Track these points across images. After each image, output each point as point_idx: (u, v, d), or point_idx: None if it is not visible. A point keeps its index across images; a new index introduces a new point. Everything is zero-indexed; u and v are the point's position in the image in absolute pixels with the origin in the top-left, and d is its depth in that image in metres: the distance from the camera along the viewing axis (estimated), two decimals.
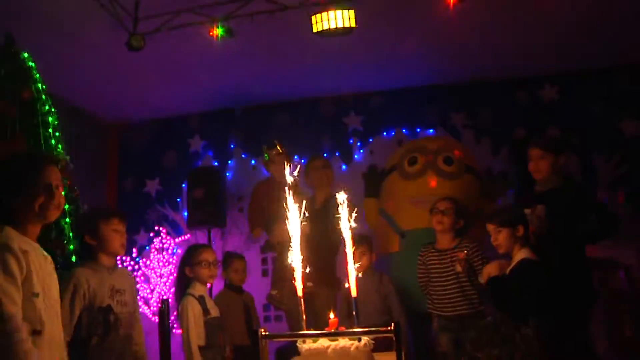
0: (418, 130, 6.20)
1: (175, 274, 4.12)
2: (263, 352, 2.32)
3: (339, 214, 2.51)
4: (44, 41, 4.47)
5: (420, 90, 6.16)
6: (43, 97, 4.05)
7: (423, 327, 4.48)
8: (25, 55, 4.06)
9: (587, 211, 3.83)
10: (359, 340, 2.31)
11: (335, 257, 4.81)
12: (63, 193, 2.42)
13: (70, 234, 3.69)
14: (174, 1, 4.31)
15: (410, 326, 4.59)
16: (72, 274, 3.15)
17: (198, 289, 3.87)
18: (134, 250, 6.28)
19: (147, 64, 5.13)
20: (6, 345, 2.06)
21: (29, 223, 2.30)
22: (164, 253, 6.20)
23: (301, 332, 2.41)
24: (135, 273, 6.06)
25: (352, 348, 2.29)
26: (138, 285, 5.99)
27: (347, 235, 2.50)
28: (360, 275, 2.52)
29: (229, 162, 6.54)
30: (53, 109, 4.04)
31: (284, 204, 2.48)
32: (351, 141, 6.32)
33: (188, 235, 6.27)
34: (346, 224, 2.50)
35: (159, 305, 4.25)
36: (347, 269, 2.48)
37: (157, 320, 4.08)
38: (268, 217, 5.01)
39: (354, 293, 2.48)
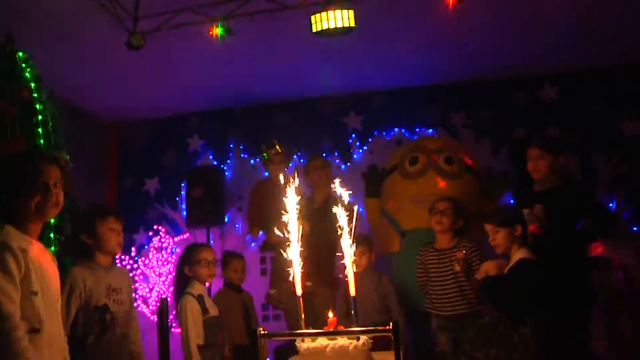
0: (417, 130, 6.20)
1: (174, 273, 4.12)
2: (262, 351, 2.33)
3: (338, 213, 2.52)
4: (44, 41, 4.48)
5: (420, 90, 6.16)
6: (42, 96, 4.06)
7: (422, 327, 4.49)
8: (21, 54, 4.06)
9: (586, 211, 3.83)
10: (358, 339, 2.31)
11: (334, 256, 4.80)
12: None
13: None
14: (174, 0, 4.31)
15: (410, 326, 4.59)
16: (68, 273, 3.15)
17: (197, 288, 3.87)
18: (133, 249, 6.29)
19: (147, 64, 5.13)
20: (4, 344, 2.06)
21: (29, 221, 2.31)
22: (163, 252, 6.20)
23: (300, 331, 2.41)
24: (134, 272, 6.07)
25: (351, 347, 2.29)
26: (137, 284, 6.00)
27: (346, 235, 2.51)
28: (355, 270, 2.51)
29: (228, 161, 6.55)
30: (52, 109, 4.04)
31: (283, 203, 2.49)
32: (350, 141, 6.33)
33: (187, 234, 6.28)
34: (345, 223, 2.51)
35: (158, 304, 4.26)
36: (345, 268, 2.49)
37: (156, 319, 4.10)
38: (267, 216, 5.01)
39: (352, 292, 2.48)
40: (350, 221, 2.53)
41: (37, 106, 4.03)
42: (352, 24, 4.15)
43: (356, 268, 2.55)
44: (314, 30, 4.18)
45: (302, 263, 2.47)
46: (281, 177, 2.60)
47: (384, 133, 6.28)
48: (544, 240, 3.69)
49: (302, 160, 5.72)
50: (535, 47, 5.39)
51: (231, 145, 6.59)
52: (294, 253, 2.46)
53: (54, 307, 2.35)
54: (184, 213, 6.24)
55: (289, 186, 2.53)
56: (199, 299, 3.80)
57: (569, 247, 3.72)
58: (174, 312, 4.01)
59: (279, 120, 6.50)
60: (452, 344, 4.03)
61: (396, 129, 6.24)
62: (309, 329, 2.42)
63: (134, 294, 3.79)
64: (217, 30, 4.39)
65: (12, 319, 2.09)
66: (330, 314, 2.45)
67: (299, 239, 2.48)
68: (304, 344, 2.34)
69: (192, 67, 5.47)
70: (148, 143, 6.88)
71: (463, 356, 3.28)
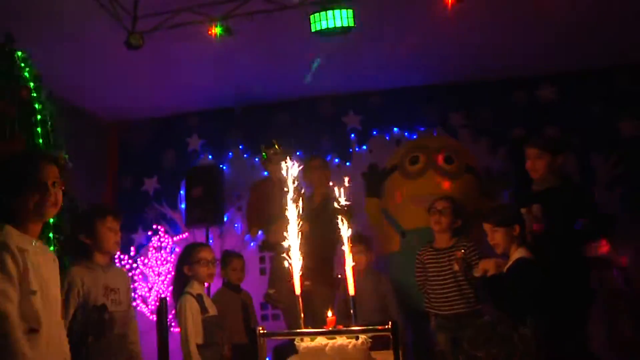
0: (417, 129, 6.20)
1: (173, 273, 4.12)
2: (261, 350, 2.33)
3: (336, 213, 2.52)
4: (44, 40, 4.47)
5: (419, 89, 6.16)
6: (41, 96, 4.06)
7: (423, 326, 4.49)
8: (20, 54, 4.06)
9: (584, 211, 3.84)
10: (357, 338, 2.31)
11: (333, 256, 4.81)
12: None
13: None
14: (173, 0, 4.31)
15: (410, 325, 4.60)
16: (66, 272, 3.15)
17: (196, 288, 3.87)
18: (132, 248, 6.28)
19: (147, 63, 5.13)
20: (2, 344, 2.06)
21: (29, 221, 2.31)
22: (162, 251, 6.19)
23: (299, 330, 2.41)
24: (133, 271, 6.07)
25: (350, 346, 2.30)
26: (136, 284, 6.00)
27: (344, 234, 2.51)
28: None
29: (228, 161, 6.55)
30: (51, 108, 4.04)
31: (282, 203, 2.49)
32: (350, 141, 6.33)
33: (186, 233, 6.27)
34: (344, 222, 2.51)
35: (157, 303, 4.26)
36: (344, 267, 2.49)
37: (155, 318, 4.09)
38: (266, 216, 5.02)
39: (351, 292, 2.48)
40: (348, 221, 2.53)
41: (36, 106, 4.03)
42: (351, 24, 4.15)
43: (355, 268, 2.55)
44: (313, 29, 4.19)
45: (301, 261, 2.47)
46: (283, 172, 2.60)
47: (383, 132, 6.27)
48: (543, 239, 3.69)
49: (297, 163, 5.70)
50: (534, 47, 5.39)
51: (230, 145, 6.59)
52: (293, 252, 2.46)
53: (54, 307, 2.35)
54: (183, 213, 6.24)
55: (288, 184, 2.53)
56: (198, 298, 3.80)
57: (568, 247, 3.73)
58: (173, 312, 4.01)
59: (279, 120, 6.50)
60: (451, 343, 4.03)
61: (395, 129, 6.24)
62: (308, 329, 2.42)
63: (132, 294, 3.78)
64: (216, 30, 4.39)
65: (10, 318, 2.09)
66: (329, 313, 2.45)
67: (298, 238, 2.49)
68: (303, 343, 2.35)
69: (191, 66, 5.47)
70: (147, 143, 6.87)
71: (462, 355, 3.28)
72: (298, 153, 5.93)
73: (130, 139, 6.95)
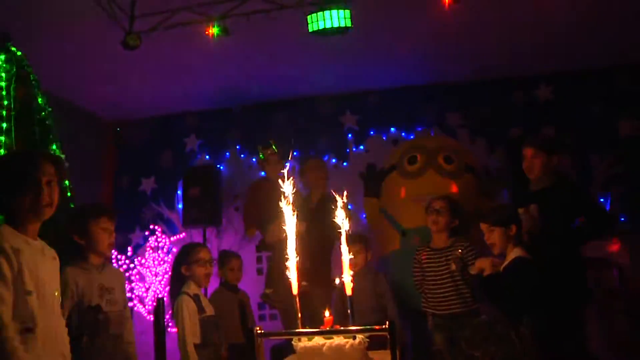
0: (414, 129, 6.21)
1: (170, 273, 4.11)
2: (258, 350, 2.32)
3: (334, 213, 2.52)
4: (41, 40, 4.47)
5: (416, 89, 6.16)
6: (38, 95, 4.05)
7: (421, 326, 4.49)
8: (19, 53, 4.05)
9: (581, 210, 3.84)
10: (354, 338, 2.31)
11: (330, 255, 4.81)
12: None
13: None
14: (170, 0, 4.31)
15: (409, 325, 4.60)
16: (61, 273, 3.14)
17: (193, 288, 3.86)
18: (129, 248, 6.28)
19: (144, 63, 5.12)
20: None
21: (26, 221, 2.31)
22: (160, 251, 6.18)
23: (296, 330, 2.41)
24: (130, 272, 6.06)
25: (347, 346, 2.29)
26: (133, 284, 5.99)
27: (342, 234, 2.51)
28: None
29: (225, 161, 6.54)
30: (49, 107, 4.04)
31: (279, 203, 2.49)
32: (347, 141, 6.32)
33: (183, 233, 6.27)
34: (341, 222, 2.51)
35: (154, 303, 4.25)
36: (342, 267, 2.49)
37: (152, 318, 4.09)
38: (264, 216, 5.01)
39: (349, 291, 2.48)
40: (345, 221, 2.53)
41: (33, 105, 4.02)
42: (349, 24, 4.15)
43: (352, 267, 2.54)
44: (310, 30, 4.19)
45: (297, 260, 2.47)
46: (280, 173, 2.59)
47: (380, 132, 6.27)
48: (540, 239, 3.70)
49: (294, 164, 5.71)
50: (533, 47, 5.40)
51: (228, 145, 6.58)
52: (290, 252, 2.46)
53: (51, 307, 2.34)
54: (181, 213, 6.23)
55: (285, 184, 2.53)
56: (195, 298, 3.79)
57: (564, 246, 3.73)
58: (170, 312, 4.01)
59: (276, 120, 6.49)
60: (449, 342, 4.03)
61: (392, 129, 6.24)
62: (305, 328, 2.42)
63: (129, 294, 3.78)
64: (214, 30, 4.38)
65: (2, 319, 2.10)
66: (327, 313, 2.45)
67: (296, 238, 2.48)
68: (301, 343, 2.34)
69: (189, 66, 5.47)
70: (145, 142, 6.86)
71: (460, 355, 3.28)
72: (295, 153, 5.94)
73: (128, 139, 6.94)
